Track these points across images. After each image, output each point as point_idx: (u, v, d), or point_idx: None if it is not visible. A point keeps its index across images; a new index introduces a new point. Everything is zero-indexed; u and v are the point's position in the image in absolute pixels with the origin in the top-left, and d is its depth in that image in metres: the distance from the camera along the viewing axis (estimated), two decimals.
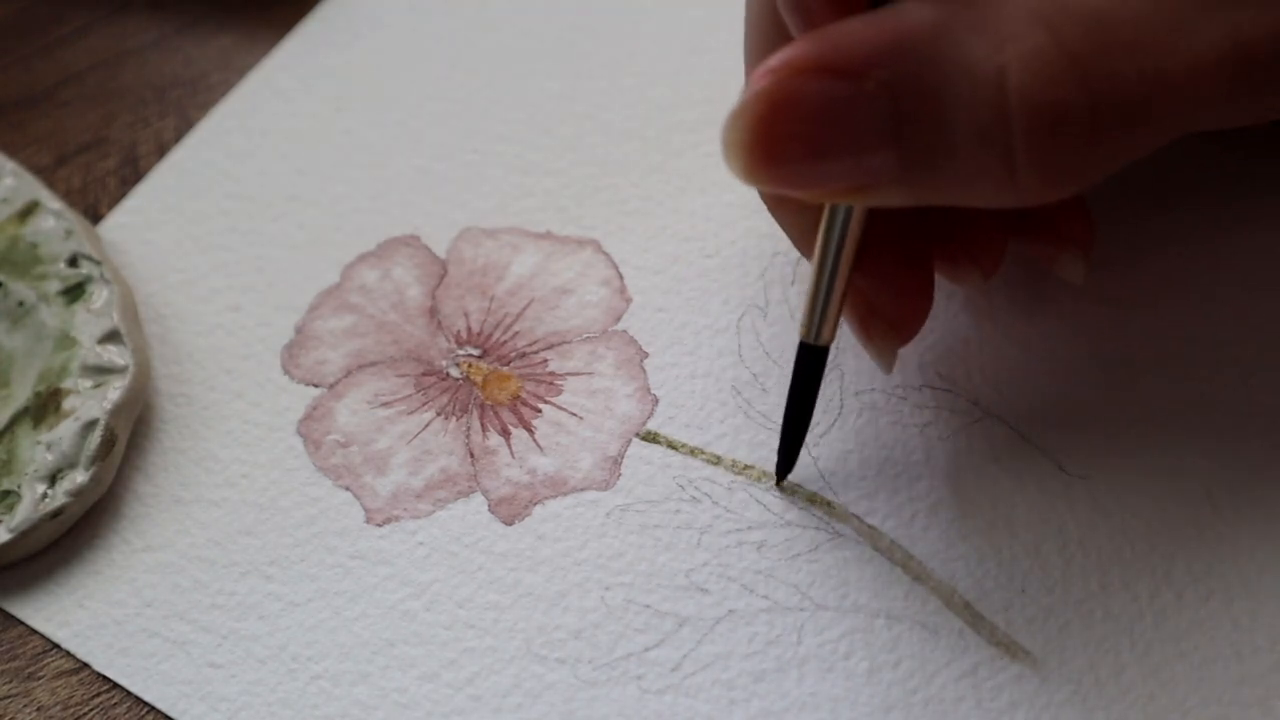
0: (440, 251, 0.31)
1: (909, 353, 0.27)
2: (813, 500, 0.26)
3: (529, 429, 0.28)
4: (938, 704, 0.23)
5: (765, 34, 0.23)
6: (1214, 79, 0.19)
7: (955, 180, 0.20)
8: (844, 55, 0.19)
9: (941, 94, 0.19)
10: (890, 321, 0.25)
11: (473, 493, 0.27)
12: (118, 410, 0.28)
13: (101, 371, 0.29)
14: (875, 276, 0.24)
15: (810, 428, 0.27)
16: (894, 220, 0.24)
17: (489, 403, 0.28)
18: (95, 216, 0.34)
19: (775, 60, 0.20)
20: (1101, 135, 0.19)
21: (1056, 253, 0.26)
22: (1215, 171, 0.28)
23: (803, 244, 0.26)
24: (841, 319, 0.24)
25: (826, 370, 0.27)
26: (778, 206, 0.25)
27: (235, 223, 0.33)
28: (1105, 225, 0.28)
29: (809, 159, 0.20)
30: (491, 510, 0.27)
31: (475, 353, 0.29)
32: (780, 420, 0.27)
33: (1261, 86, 0.20)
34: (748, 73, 0.25)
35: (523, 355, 0.29)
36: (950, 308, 0.28)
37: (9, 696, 0.26)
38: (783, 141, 0.20)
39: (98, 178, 0.35)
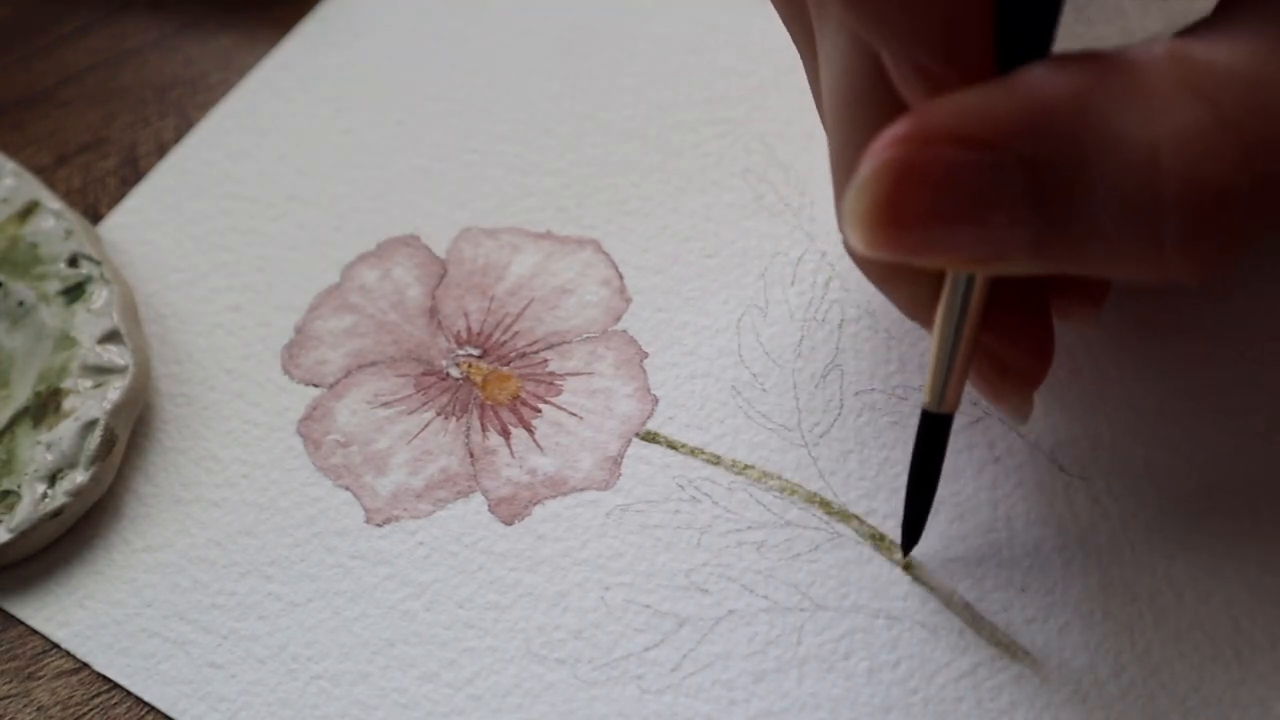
0: (440, 251, 0.31)
1: (909, 353, 0.27)
2: (813, 500, 0.26)
3: (529, 429, 0.28)
4: (938, 704, 0.23)
5: (861, 103, 0.22)
6: None
7: (1093, 256, 0.19)
8: (979, 125, 0.18)
9: (1084, 169, 0.18)
10: (1021, 374, 0.24)
11: (473, 493, 0.27)
12: (118, 410, 0.28)
13: (101, 371, 0.29)
14: (999, 333, 0.23)
15: (811, 427, 0.27)
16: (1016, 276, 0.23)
17: (489, 403, 0.28)
18: (95, 216, 0.34)
19: (901, 129, 0.18)
20: (1262, 213, 0.18)
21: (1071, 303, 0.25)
22: None
23: (913, 311, 0.24)
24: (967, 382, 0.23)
25: (826, 371, 0.28)
26: (888, 275, 0.24)
27: (235, 223, 0.33)
28: None
29: (940, 229, 0.19)
30: (491, 510, 0.27)
31: (475, 353, 0.29)
32: (781, 421, 0.27)
33: None
34: (836, 136, 0.23)
35: (523, 355, 0.29)
36: None
37: (9, 696, 0.26)
38: (913, 211, 0.19)
39: (98, 178, 0.35)
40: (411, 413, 0.29)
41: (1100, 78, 0.18)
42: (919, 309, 0.24)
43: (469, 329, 0.30)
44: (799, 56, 0.25)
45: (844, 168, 0.23)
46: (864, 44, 0.21)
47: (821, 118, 0.25)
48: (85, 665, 0.26)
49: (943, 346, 0.22)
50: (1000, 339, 0.23)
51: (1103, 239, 0.19)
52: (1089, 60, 0.19)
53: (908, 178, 0.18)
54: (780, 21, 0.24)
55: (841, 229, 0.23)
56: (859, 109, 0.22)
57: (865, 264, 0.24)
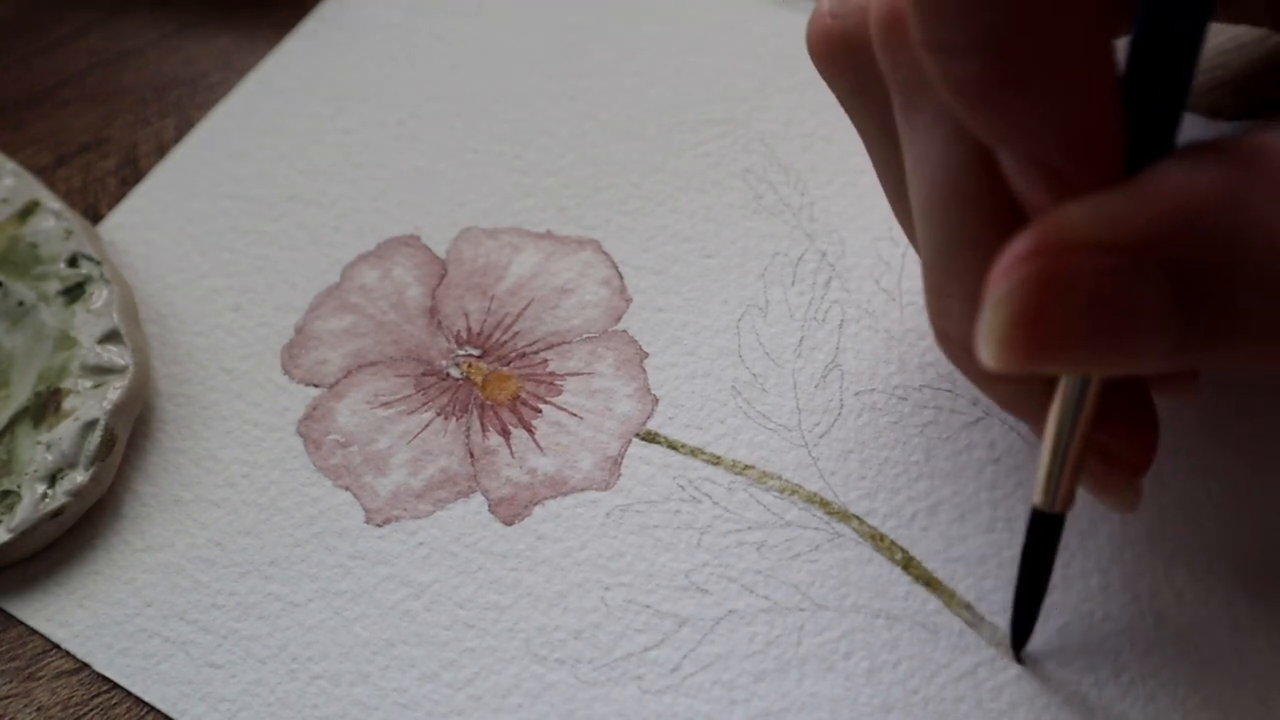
0: (440, 251, 0.31)
1: (909, 353, 0.27)
2: (813, 500, 0.26)
3: (529, 429, 0.28)
4: (938, 704, 0.23)
5: (965, 194, 0.21)
6: None
7: (1239, 355, 0.18)
8: (1119, 230, 0.17)
9: (1235, 269, 0.17)
10: (1129, 465, 0.23)
11: (473, 493, 0.27)
12: (118, 410, 0.28)
13: (101, 371, 0.29)
14: (1109, 428, 0.22)
15: (811, 427, 0.27)
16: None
17: (489, 403, 0.28)
18: (95, 216, 0.34)
19: (1035, 240, 0.17)
20: None
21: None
22: None
23: (1014, 407, 0.24)
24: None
25: (826, 371, 0.28)
26: (995, 379, 0.23)
27: (235, 223, 0.33)
28: None
29: (1080, 342, 0.18)
30: (491, 510, 0.27)
31: (475, 353, 0.29)
32: (781, 420, 0.27)
33: None
34: (934, 234, 0.21)
35: (523, 355, 0.29)
36: None
37: (9, 696, 0.26)
38: (1056, 326, 0.18)
39: (98, 178, 0.35)
40: (411, 413, 0.29)
41: (1239, 168, 0.17)
42: (1021, 406, 0.23)
43: (469, 329, 0.30)
44: (859, 136, 0.24)
45: (941, 268, 0.22)
46: (969, 137, 0.20)
47: (894, 206, 0.24)
48: (85, 665, 0.26)
49: (1057, 446, 0.21)
50: (1105, 430, 0.22)
51: (1257, 336, 0.18)
52: (1221, 150, 0.18)
53: (1049, 291, 0.17)
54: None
55: (942, 326, 0.22)
56: (963, 209, 0.21)
57: (967, 365, 0.23)
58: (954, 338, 0.22)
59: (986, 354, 0.18)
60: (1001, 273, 0.18)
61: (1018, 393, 0.23)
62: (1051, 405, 0.21)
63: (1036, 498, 0.22)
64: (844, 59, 0.22)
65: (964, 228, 0.21)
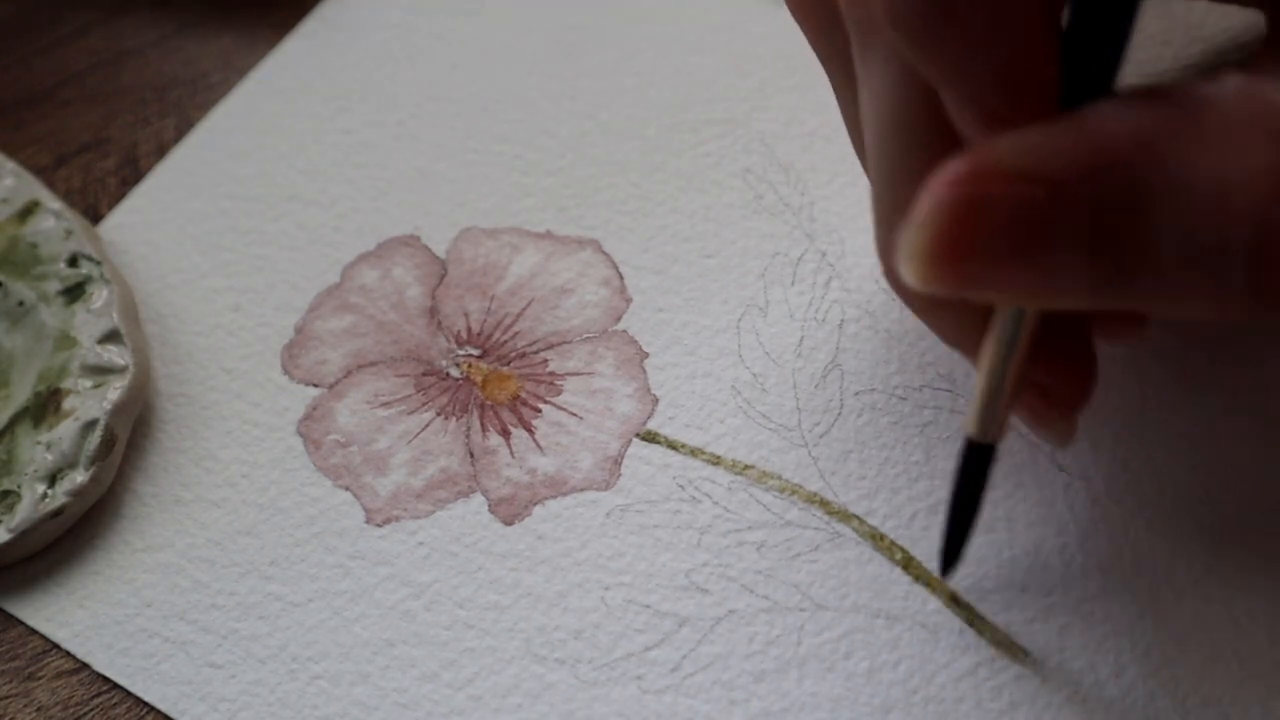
0: (440, 251, 0.31)
1: (909, 353, 0.27)
2: (812, 500, 0.26)
3: (529, 429, 0.28)
4: (938, 704, 0.23)
5: (911, 140, 0.22)
6: None
7: (1153, 294, 0.19)
8: (1041, 162, 0.18)
9: (1149, 209, 0.18)
10: (1064, 400, 0.23)
11: (473, 493, 0.27)
12: (118, 410, 0.28)
13: (101, 371, 0.29)
14: (1045, 363, 0.23)
15: (811, 427, 0.27)
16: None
17: (489, 403, 0.28)
18: (95, 216, 0.34)
19: (963, 166, 0.18)
20: None
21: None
22: None
23: (956, 340, 0.24)
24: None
25: (826, 371, 0.28)
26: (932, 306, 0.24)
27: (235, 223, 0.33)
28: None
29: (999, 267, 0.19)
30: (491, 510, 0.27)
31: (475, 353, 0.29)
32: (781, 420, 0.27)
33: None
34: (881, 168, 0.22)
35: (523, 355, 0.29)
36: None
37: (9, 696, 0.26)
38: (973, 248, 0.18)
39: (98, 178, 0.35)
40: (411, 413, 0.29)
41: (1168, 115, 0.18)
42: (962, 339, 0.24)
43: (469, 329, 0.30)
44: (828, 81, 0.24)
45: (888, 200, 0.22)
46: (916, 76, 0.20)
47: (854, 143, 0.25)
48: (85, 665, 0.26)
49: (991, 378, 0.21)
50: (1043, 366, 0.23)
51: (1168, 280, 0.18)
52: (1156, 97, 0.18)
53: (969, 214, 0.18)
54: (801, 34, 0.24)
55: (889, 261, 0.22)
56: (909, 143, 0.22)
57: (908, 294, 0.24)
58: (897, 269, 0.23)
59: (905, 270, 0.19)
60: (927, 195, 0.18)
61: (958, 325, 0.24)
62: (986, 338, 0.21)
63: (969, 428, 0.22)
64: (812, 3, 0.23)
65: (909, 161, 0.21)
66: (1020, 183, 0.18)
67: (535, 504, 0.27)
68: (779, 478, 0.26)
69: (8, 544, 0.27)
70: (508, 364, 0.29)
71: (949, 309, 0.23)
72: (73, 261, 0.31)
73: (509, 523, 0.27)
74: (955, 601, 0.24)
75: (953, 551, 0.24)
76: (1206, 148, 0.18)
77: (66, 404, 0.29)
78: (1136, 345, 0.25)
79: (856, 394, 0.27)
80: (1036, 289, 0.19)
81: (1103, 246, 0.18)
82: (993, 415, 0.22)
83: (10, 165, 0.33)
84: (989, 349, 0.21)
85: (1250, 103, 0.18)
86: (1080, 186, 0.18)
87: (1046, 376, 0.23)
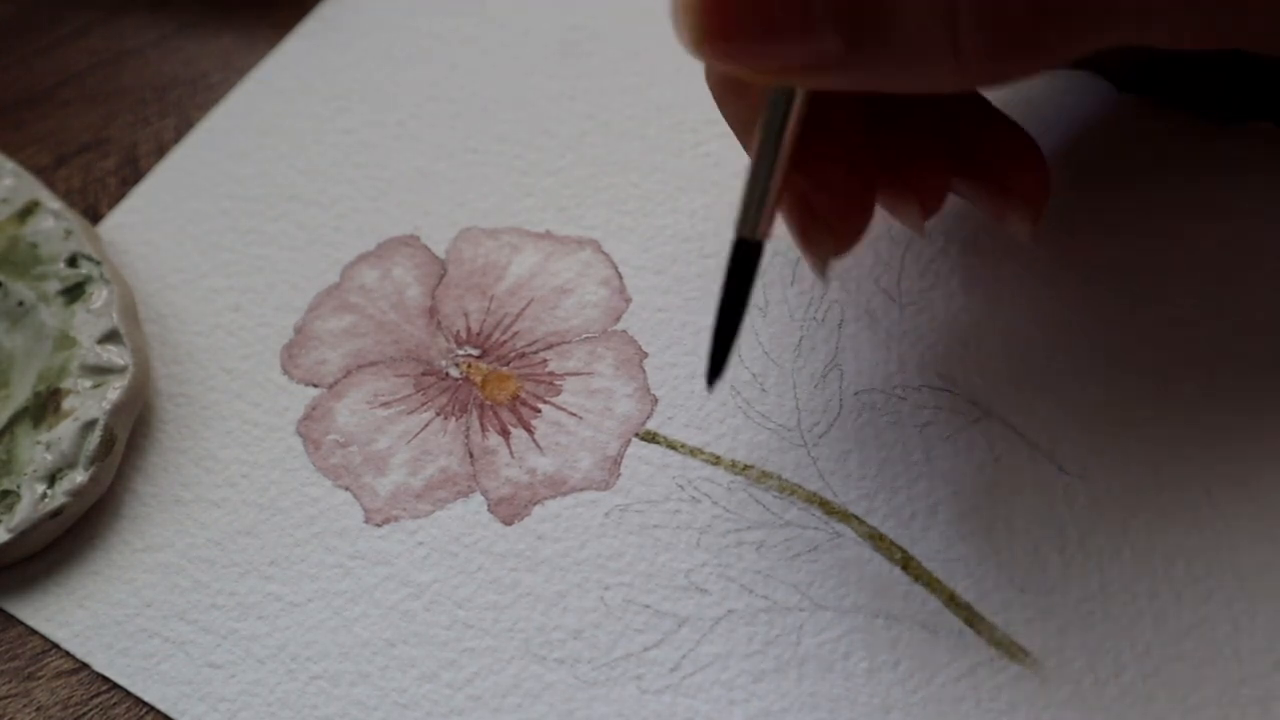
0: (440, 251, 0.31)
1: (909, 353, 0.27)
2: (812, 500, 0.26)
3: (528, 429, 0.28)
4: (938, 704, 0.23)
5: None
6: None
7: (901, 59, 0.20)
8: None
9: None
10: (828, 227, 0.25)
11: (472, 493, 0.27)
12: (117, 410, 0.28)
13: (101, 371, 0.29)
14: (816, 175, 0.24)
15: (811, 427, 0.27)
16: (839, 122, 0.25)
17: (489, 403, 0.28)
18: (95, 216, 0.34)
19: None
20: (1047, 19, 0.20)
21: (1003, 207, 0.26)
22: (1215, 162, 0.28)
23: (746, 137, 0.25)
24: (781, 221, 0.24)
25: (825, 371, 0.27)
26: (724, 95, 0.25)
27: (235, 223, 0.33)
28: (1109, 224, 0.28)
29: (759, 36, 0.20)
30: (491, 510, 0.27)
31: (475, 353, 0.29)
32: (781, 421, 0.27)
33: (1216, 5, 0.20)
34: None
35: (522, 355, 0.29)
36: (951, 308, 0.28)
37: (9, 696, 0.26)
38: (734, 17, 0.20)
39: (98, 178, 0.35)
40: (411, 413, 0.29)
41: None
42: (745, 132, 0.25)
43: (469, 329, 0.30)
44: None
45: None
46: None
47: None
48: (85, 665, 0.26)
49: (757, 171, 0.22)
50: (816, 185, 0.24)
51: (907, 40, 0.20)
52: None
53: None
54: None
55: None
56: None
57: (708, 79, 0.25)
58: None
59: (680, 32, 0.20)
60: None
61: (746, 119, 0.25)
62: (757, 125, 0.22)
63: (736, 225, 0.23)
64: None
65: None
66: None
67: (535, 504, 0.27)
68: (778, 478, 0.26)
69: (7, 544, 0.27)
70: (507, 364, 0.29)
71: (738, 99, 0.25)
72: (72, 261, 0.31)
73: (508, 523, 0.27)
74: (955, 601, 0.24)
75: (719, 357, 0.24)
76: None
77: (66, 404, 0.29)
78: (917, 229, 0.26)
79: (856, 394, 0.27)
80: (794, 62, 0.20)
81: (850, 11, 0.20)
82: (759, 209, 0.23)
83: (10, 165, 0.33)
84: (758, 136, 0.22)
85: None
86: None
87: (820, 198, 0.24)
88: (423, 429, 0.28)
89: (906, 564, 0.25)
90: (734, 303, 0.24)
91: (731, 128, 0.26)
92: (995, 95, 0.26)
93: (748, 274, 0.24)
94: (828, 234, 0.25)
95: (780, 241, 0.30)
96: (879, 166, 0.25)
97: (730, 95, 0.25)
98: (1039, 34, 0.20)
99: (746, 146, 0.25)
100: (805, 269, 0.29)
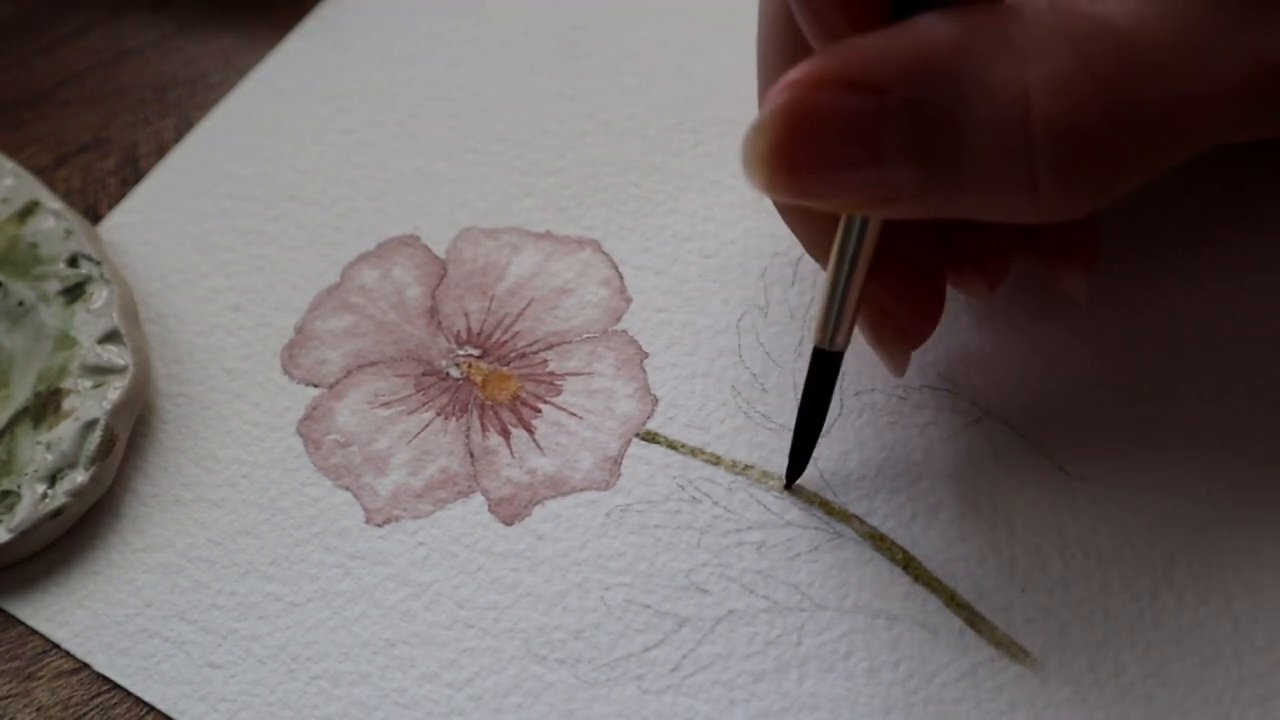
0: (440, 251, 0.31)
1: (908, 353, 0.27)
2: (813, 500, 0.26)
3: (529, 429, 0.28)
4: (938, 704, 0.23)
5: (780, 46, 0.23)
6: (1238, 100, 0.20)
7: (975, 197, 0.20)
8: (866, 70, 0.19)
9: (964, 112, 0.19)
10: (901, 328, 0.25)
11: (473, 493, 0.27)
12: (118, 410, 0.28)
13: (101, 371, 0.29)
14: (889, 285, 0.25)
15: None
16: (909, 232, 0.24)
17: (489, 403, 0.28)
18: (95, 216, 0.34)
19: (797, 74, 0.20)
20: (1124, 158, 0.20)
21: (1060, 270, 0.25)
22: (1215, 173, 0.28)
23: (817, 251, 0.26)
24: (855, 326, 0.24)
25: None
26: (794, 216, 0.25)
27: (235, 223, 0.33)
28: (1106, 228, 0.28)
29: (830, 172, 0.20)
30: (491, 510, 0.27)
31: (475, 353, 0.29)
32: (782, 421, 0.27)
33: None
34: (762, 85, 0.24)
35: (522, 355, 0.29)
36: (952, 309, 0.28)
37: (9, 696, 0.26)
38: (805, 154, 0.20)
39: (98, 178, 0.35)
40: (411, 413, 0.29)
41: (983, 23, 0.19)
42: (815, 246, 0.25)
43: (469, 329, 0.30)
44: None
45: (761, 99, 0.24)
46: None
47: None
48: (85, 665, 0.26)
49: (834, 286, 0.23)
50: (889, 291, 0.25)
51: (982, 180, 0.20)
52: (976, 8, 0.20)
53: (800, 121, 0.20)
54: None
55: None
56: (775, 54, 0.23)
57: (777, 204, 0.26)
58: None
59: (751, 173, 0.20)
60: (768, 100, 0.20)
61: (816, 235, 0.25)
62: (833, 245, 0.23)
63: (815, 337, 0.24)
64: None
65: (772, 68, 0.24)
66: (848, 90, 0.19)
67: (535, 504, 0.27)
68: (779, 478, 0.26)
69: (8, 544, 0.27)
70: (508, 364, 0.29)
71: (808, 217, 0.25)
72: (73, 261, 0.31)
73: (509, 523, 0.27)
74: (955, 601, 0.24)
75: (799, 462, 0.26)
76: (1014, 53, 0.19)
77: (66, 404, 0.29)
78: (986, 299, 0.26)
79: (856, 394, 0.27)
80: (868, 195, 0.20)
81: (924, 147, 0.19)
82: (836, 323, 0.24)
83: (10, 165, 0.33)
84: (834, 256, 0.23)
85: (1058, 15, 0.19)
86: (903, 90, 0.19)
87: (893, 302, 0.25)
88: (423, 429, 0.28)
89: (907, 564, 0.25)
90: (815, 408, 0.25)
91: (802, 243, 0.26)
92: None
93: (828, 382, 0.25)
94: (902, 336, 0.25)
95: (781, 242, 0.30)
96: (948, 258, 0.25)
97: (800, 216, 0.25)
98: (1123, 169, 0.20)
99: (819, 260, 0.26)
100: (805, 269, 0.29)
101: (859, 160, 0.20)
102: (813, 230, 0.25)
